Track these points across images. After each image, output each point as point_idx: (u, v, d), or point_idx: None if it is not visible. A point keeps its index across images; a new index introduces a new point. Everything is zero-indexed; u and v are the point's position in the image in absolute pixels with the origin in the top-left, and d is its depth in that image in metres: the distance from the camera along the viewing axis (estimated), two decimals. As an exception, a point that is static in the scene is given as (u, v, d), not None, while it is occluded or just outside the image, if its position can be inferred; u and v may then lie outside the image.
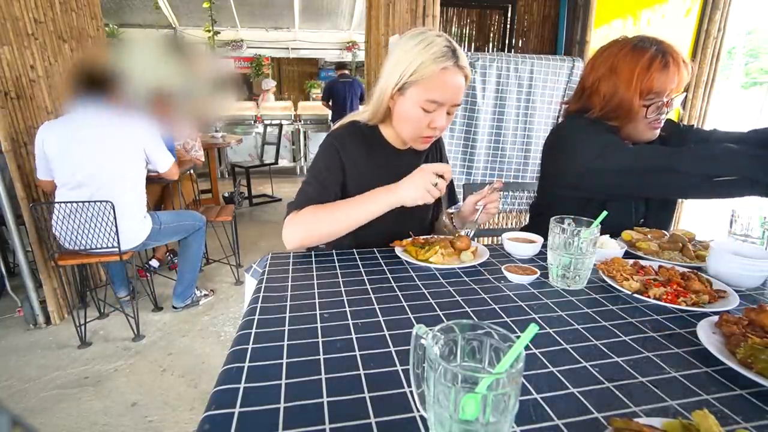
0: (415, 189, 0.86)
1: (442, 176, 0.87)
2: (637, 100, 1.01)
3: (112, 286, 2.35)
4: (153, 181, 2.29)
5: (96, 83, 1.76)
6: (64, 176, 1.84)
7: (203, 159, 2.97)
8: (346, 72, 5.54)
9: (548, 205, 1.20)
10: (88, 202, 1.82)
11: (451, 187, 1.24)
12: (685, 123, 1.19)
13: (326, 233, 0.94)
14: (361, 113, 1.05)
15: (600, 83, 1.06)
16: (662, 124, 1.07)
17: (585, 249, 0.75)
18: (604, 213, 0.78)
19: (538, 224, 1.11)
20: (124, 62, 1.69)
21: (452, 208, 1.18)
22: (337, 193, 1.00)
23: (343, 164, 1.00)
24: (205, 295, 2.47)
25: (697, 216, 4.42)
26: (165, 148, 2.04)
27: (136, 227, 1.97)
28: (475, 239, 1.03)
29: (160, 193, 2.83)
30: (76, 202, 1.82)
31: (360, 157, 1.01)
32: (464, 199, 1.18)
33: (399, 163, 1.04)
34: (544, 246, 1.01)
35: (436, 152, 1.18)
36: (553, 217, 0.79)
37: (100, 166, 1.84)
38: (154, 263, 2.77)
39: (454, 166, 2.25)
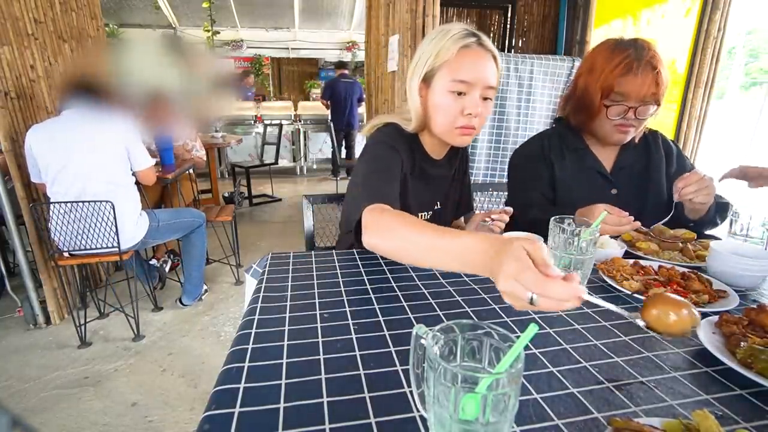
0: (509, 292, 0.56)
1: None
2: (598, 98, 1.03)
3: (139, 281, 2.34)
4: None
5: (90, 85, 1.76)
6: (50, 177, 1.83)
7: (205, 158, 2.97)
8: (346, 72, 5.54)
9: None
10: (87, 201, 1.82)
11: (468, 193, 1.23)
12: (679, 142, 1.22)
13: (406, 259, 0.73)
14: (401, 120, 1.01)
15: (579, 78, 1.10)
16: (632, 130, 1.06)
17: (585, 249, 0.75)
18: (604, 213, 0.78)
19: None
20: (122, 62, 1.70)
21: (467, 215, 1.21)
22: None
23: (402, 166, 0.95)
24: (206, 291, 2.53)
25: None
26: (144, 150, 2.01)
27: (132, 226, 1.97)
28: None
29: (160, 192, 2.84)
30: (74, 201, 1.82)
31: (407, 160, 0.98)
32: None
33: (434, 173, 1.05)
34: (544, 246, 1.01)
35: (461, 164, 1.16)
36: (554, 218, 0.79)
37: (88, 165, 1.84)
38: (154, 263, 2.77)
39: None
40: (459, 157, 1.15)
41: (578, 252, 0.75)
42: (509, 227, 1.03)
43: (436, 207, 1.12)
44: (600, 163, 1.15)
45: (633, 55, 0.99)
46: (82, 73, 1.81)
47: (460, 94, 0.87)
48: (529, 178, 1.19)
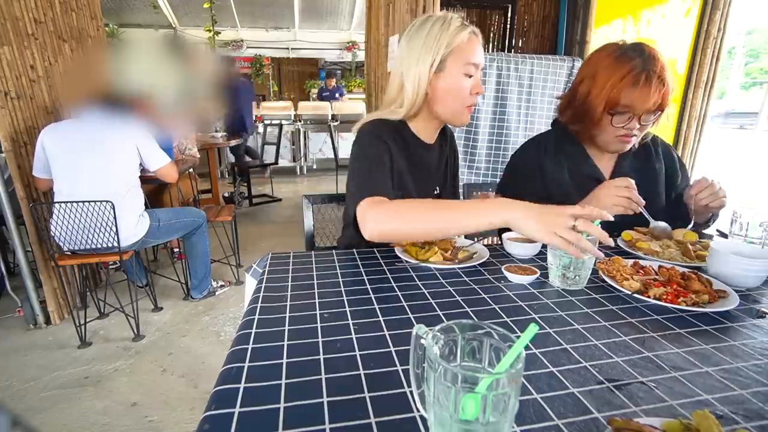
0: (541, 229, 0.70)
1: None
2: (601, 109, 1.01)
3: (129, 280, 2.35)
4: (152, 181, 2.29)
5: (106, 90, 1.78)
6: (63, 177, 1.85)
7: (198, 155, 2.98)
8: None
9: None
10: (88, 201, 1.82)
11: (454, 176, 1.25)
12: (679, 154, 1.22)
13: (421, 230, 0.83)
14: (386, 113, 1.04)
15: (580, 85, 1.08)
16: (633, 140, 1.05)
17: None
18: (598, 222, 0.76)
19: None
20: (124, 63, 1.70)
21: None
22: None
23: (391, 156, 0.99)
24: (222, 286, 2.59)
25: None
26: (158, 147, 2.04)
27: (133, 225, 1.97)
28: (475, 239, 1.03)
29: (160, 193, 2.83)
30: (75, 201, 1.82)
31: (398, 150, 1.02)
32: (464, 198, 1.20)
33: (428, 157, 1.09)
34: (544, 246, 1.01)
35: (447, 146, 1.19)
36: None
37: (96, 167, 1.86)
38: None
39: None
40: (447, 137, 1.18)
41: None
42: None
43: (435, 192, 1.15)
44: (598, 170, 1.13)
45: (640, 66, 0.96)
46: (97, 79, 1.83)
47: (469, 76, 0.97)
48: (521, 184, 1.19)
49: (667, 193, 1.17)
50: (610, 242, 0.72)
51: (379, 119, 1.03)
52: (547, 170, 1.15)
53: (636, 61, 0.97)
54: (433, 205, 0.84)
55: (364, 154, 0.98)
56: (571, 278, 0.78)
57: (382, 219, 0.84)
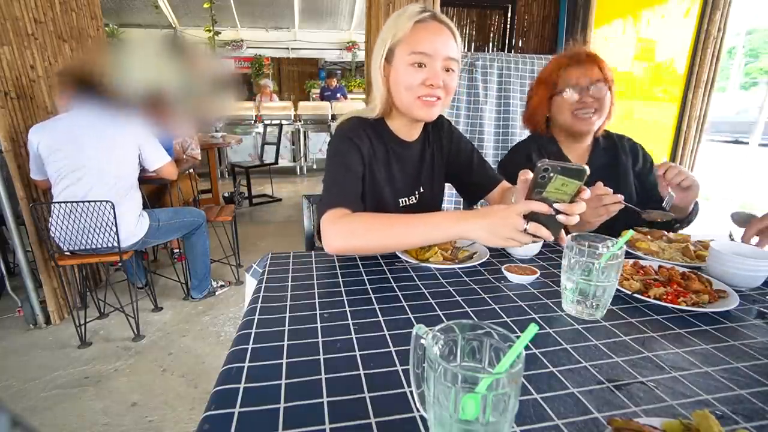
0: (492, 239, 0.70)
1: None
2: (547, 96, 1.20)
3: (130, 281, 2.35)
4: (152, 181, 2.29)
5: (92, 84, 1.76)
6: (57, 176, 1.84)
7: (199, 157, 2.99)
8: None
9: None
10: (87, 201, 1.82)
11: (480, 164, 1.15)
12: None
13: (377, 247, 0.86)
14: (364, 111, 1.03)
15: (530, 99, 1.29)
16: (594, 118, 1.14)
17: (607, 274, 0.64)
18: (630, 232, 0.75)
19: None
20: (122, 62, 1.70)
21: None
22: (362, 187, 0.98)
23: (362, 157, 0.96)
24: (222, 286, 2.58)
25: (698, 219, 4.43)
26: (160, 147, 2.04)
27: (132, 225, 1.97)
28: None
29: (160, 192, 2.84)
30: (75, 201, 1.82)
31: (375, 150, 0.99)
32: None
33: (408, 155, 1.05)
34: (545, 246, 1.01)
35: (442, 140, 1.12)
36: (572, 234, 0.70)
37: (92, 165, 1.84)
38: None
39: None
40: (440, 130, 1.11)
41: (597, 277, 0.65)
42: None
43: (418, 192, 1.09)
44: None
45: (570, 53, 1.17)
46: (87, 72, 1.81)
47: (420, 66, 0.89)
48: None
49: (638, 184, 1.23)
50: (562, 240, 0.68)
51: (357, 117, 1.00)
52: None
53: (567, 54, 1.19)
54: (389, 221, 0.82)
55: (334, 158, 0.95)
56: (590, 306, 0.67)
57: (339, 237, 0.83)
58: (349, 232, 0.83)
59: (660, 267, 0.84)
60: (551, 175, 0.59)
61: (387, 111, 1.00)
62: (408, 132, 1.04)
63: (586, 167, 0.59)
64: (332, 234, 0.84)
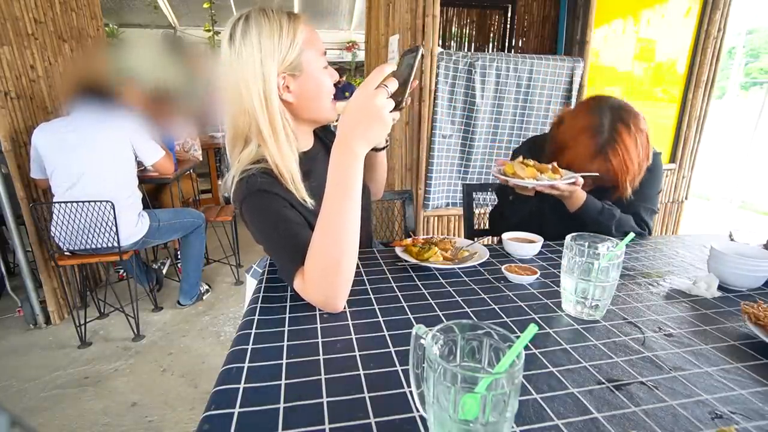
0: (376, 127, 0.65)
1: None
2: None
3: (137, 282, 2.34)
4: (152, 180, 2.29)
5: (95, 86, 1.77)
6: (58, 177, 1.84)
7: (200, 158, 3.00)
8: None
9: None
10: (88, 201, 1.82)
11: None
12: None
13: (347, 250, 0.67)
14: (245, 162, 0.82)
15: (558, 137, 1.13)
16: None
17: (607, 273, 0.65)
18: (632, 235, 0.72)
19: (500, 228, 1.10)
20: (123, 62, 1.70)
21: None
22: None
23: (284, 199, 0.81)
24: (207, 291, 2.53)
25: (698, 219, 4.45)
26: (152, 141, 2.04)
27: (132, 225, 1.97)
28: (475, 239, 1.03)
29: (160, 192, 2.84)
30: (75, 201, 1.82)
31: (289, 191, 0.82)
32: (464, 199, 1.18)
33: (318, 160, 0.93)
34: (544, 246, 1.01)
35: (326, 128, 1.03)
36: (571, 235, 0.70)
37: (92, 165, 1.85)
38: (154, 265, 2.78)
39: (452, 165, 2.25)
40: (324, 129, 1.02)
41: (597, 277, 0.65)
42: (502, 226, 1.05)
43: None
44: None
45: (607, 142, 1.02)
46: (90, 75, 1.82)
47: (326, 67, 0.86)
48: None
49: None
50: None
51: (248, 176, 0.80)
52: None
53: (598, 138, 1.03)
54: (323, 229, 0.68)
55: (261, 220, 0.82)
56: (589, 306, 0.67)
57: (326, 290, 0.68)
58: (323, 278, 0.68)
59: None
60: (401, 58, 0.72)
61: (284, 136, 0.82)
62: (307, 141, 0.93)
63: (421, 46, 0.70)
64: (319, 295, 0.69)
